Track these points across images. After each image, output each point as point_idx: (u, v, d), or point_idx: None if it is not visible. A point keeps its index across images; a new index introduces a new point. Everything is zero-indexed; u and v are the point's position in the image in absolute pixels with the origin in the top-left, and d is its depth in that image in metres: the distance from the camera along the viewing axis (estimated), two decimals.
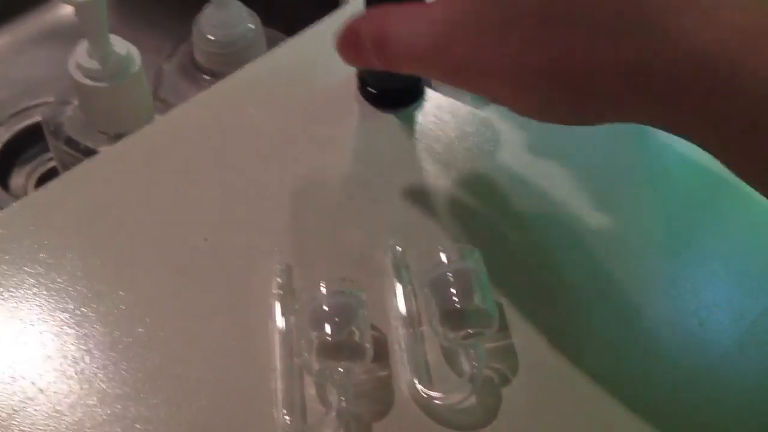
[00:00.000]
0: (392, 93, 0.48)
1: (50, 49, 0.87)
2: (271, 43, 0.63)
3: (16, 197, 0.78)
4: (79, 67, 0.51)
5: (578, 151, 0.47)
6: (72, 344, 0.39)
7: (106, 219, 0.44)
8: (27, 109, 0.83)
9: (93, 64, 0.51)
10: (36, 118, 0.81)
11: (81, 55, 0.51)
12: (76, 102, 0.56)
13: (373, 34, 0.36)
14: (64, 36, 0.87)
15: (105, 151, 0.48)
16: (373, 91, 0.48)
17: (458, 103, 0.49)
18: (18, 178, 0.80)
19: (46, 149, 0.79)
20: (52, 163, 0.80)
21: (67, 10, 0.85)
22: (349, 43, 0.38)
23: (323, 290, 0.39)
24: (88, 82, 0.51)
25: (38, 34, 0.88)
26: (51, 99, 0.81)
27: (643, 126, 0.32)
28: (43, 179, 0.80)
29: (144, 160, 0.47)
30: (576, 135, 0.47)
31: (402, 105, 0.48)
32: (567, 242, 0.44)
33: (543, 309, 0.41)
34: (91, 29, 0.49)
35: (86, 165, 0.47)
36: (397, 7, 0.36)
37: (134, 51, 0.52)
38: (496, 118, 0.49)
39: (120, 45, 0.51)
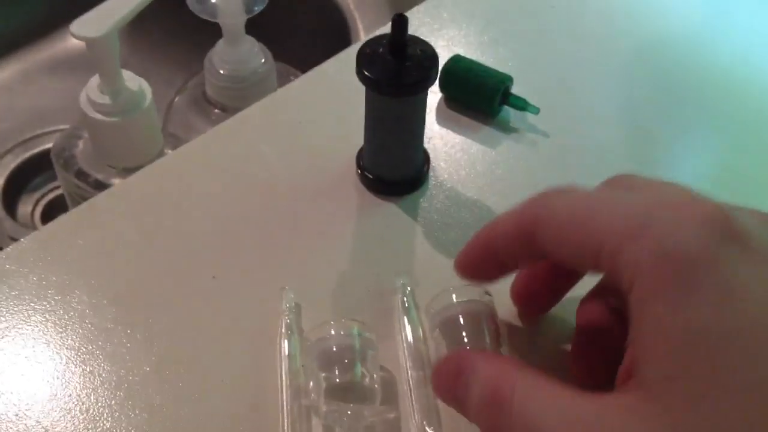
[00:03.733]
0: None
1: (59, 79, 0.88)
2: (283, 78, 0.63)
3: (23, 225, 0.78)
4: (91, 101, 0.51)
5: None
6: (78, 382, 0.39)
7: (115, 255, 0.44)
8: (34, 137, 0.83)
9: (104, 99, 0.51)
10: (43, 146, 0.82)
11: (92, 89, 0.51)
12: (85, 135, 0.56)
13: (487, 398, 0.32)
14: (73, 66, 0.87)
15: (114, 186, 0.48)
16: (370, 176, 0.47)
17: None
18: (25, 206, 0.81)
19: (53, 178, 0.79)
20: (58, 192, 0.80)
21: (76, 41, 0.85)
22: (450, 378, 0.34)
23: (332, 331, 0.38)
24: (98, 116, 0.51)
25: (47, 64, 0.88)
26: (58, 128, 0.82)
27: None
28: (49, 207, 0.80)
29: (153, 195, 0.47)
30: None
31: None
32: None
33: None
34: (103, 64, 0.49)
35: (95, 200, 0.47)
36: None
37: (146, 86, 0.52)
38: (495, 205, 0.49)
39: (132, 80, 0.52)
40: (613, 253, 0.30)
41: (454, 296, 0.39)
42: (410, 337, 0.41)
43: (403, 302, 0.42)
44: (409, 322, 0.41)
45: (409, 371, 0.40)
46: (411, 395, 0.39)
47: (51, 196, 0.82)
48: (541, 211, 0.33)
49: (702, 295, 0.27)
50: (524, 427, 0.30)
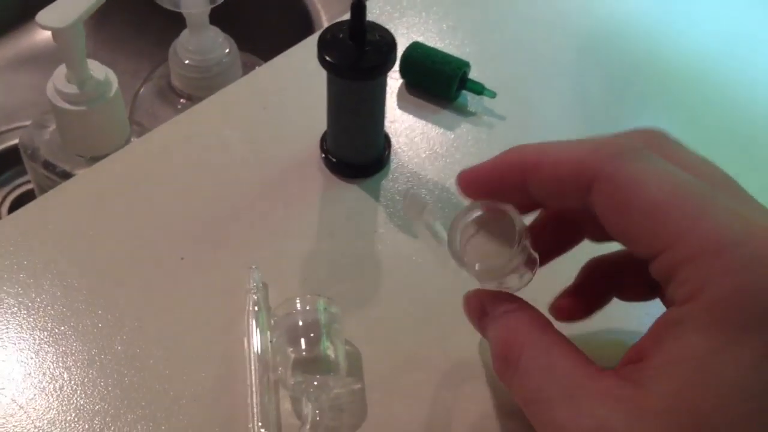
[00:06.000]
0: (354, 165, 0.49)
1: (27, 74, 0.88)
2: (247, 68, 0.64)
3: None
4: (58, 91, 0.52)
5: None
6: (51, 362, 0.40)
7: (84, 239, 0.45)
8: (3, 133, 0.83)
9: (71, 89, 0.52)
10: (12, 142, 0.82)
11: (59, 79, 0.52)
12: (53, 126, 0.57)
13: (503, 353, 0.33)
14: (41, 61, 0.87)
15: (82, 173, 0.49)
16: (333, 160, 0.49)
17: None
18: None
19: (21, 173, 0.80)
20: (27, 187, 0.81)
21: (44, 36, 0.86)
22: (474, 316, 0.36)
23: (298, 306, 0.40)
24: (66, 106, 0.52)
25: (15, 60, 0.88)
26: (25, 124, 0.82)
27: None
28: (18, 203, 0.80)
29: (120, 181, 0.48)
30: None
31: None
32: None
33: None
34: (69, 54, 0.50)
35: (64, 186, 0.48)
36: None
37: (112, 75, 0.53)
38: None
39: (98, 69, 0.52)
40: (681, 262, 0.28)
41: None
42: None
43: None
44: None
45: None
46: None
47: (19, 191, 0.82)
48: (606, 168, 0.30)
49: (763, 354, 0.26)
50: (527, 390, 0.31)
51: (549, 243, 0.37)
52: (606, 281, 0.38)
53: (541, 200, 0.33)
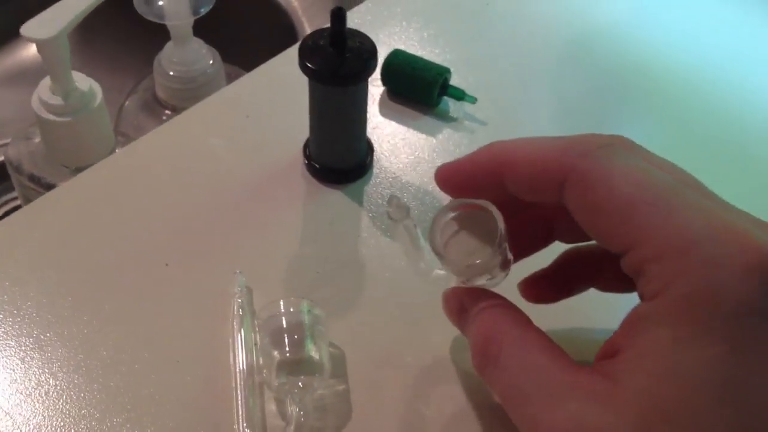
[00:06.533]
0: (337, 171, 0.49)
1: (13, 90, 0.88)
2: (231, 79, 0.65)
3: None
4: (42, 102, 0.53)
5: None
6: (37, 368, 0.40)
7: (69, 247, 0.45)
8: None
9: (56, 100, 0.52)
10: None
11: (44, 91, 0.52)
12: (38, 138, 0.58)
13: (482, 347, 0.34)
14: (27, 77, 0.88)
15: (66, 182, 0.49)
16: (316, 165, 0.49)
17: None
18: None
19: (8, 190, 0.80)
20: (14, 203, 0.81)
21: (30, 52, 0.86)
22: (453, 313, 0.37)
23: (282, 308, 0.40)
24: (51, 117, 0.53)
25: (1, 76, 0.89)
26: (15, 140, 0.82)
27: None
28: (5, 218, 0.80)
29: (105, 190, 0.48)
30: None
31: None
32: None
33: None
34: (54, 65, 0.51)
35: (49, 195, 0.48)
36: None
37: (96, 86, 0.54)
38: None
39: (82, 81, 0.53)
40: (649, 259, 0.29)
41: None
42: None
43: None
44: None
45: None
46: None
47: (7, 207, 0.82)
48: (579, 166, 0.31)
49: (725, 350, 0.27)
50: (506, 386, 0.32)
51: (519, 244, 0.37)
52: (583, 270, 0.39)
53: (518, 196, 0.34)
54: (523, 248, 0.38)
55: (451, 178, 0.35)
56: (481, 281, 0.36)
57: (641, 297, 0.30)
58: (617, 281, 0.34)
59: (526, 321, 0.34)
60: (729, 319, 0.27)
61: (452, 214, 0.35)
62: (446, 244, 0.35)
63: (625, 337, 0.30)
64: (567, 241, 0.38)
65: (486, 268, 0.35)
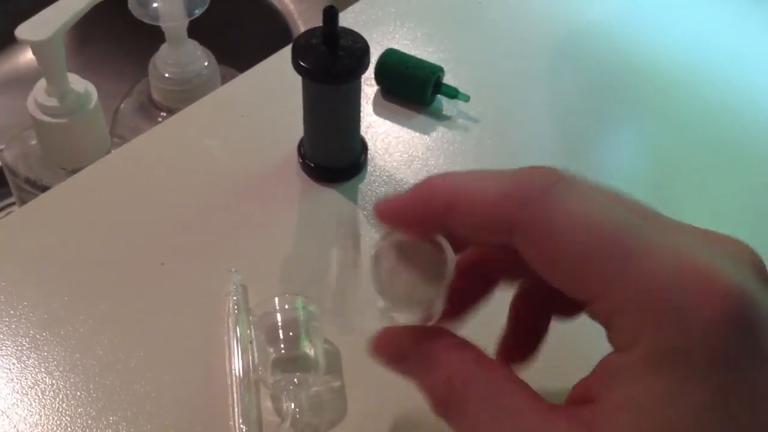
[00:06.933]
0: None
1: (9, 95, 0.88)
2: (226, 80, 0.65)
3: None
4: (38, 104, 0.53)
5: None
6: (33, 367, 0.41)
7: (65, 247, 0.45)
8: None
9: (51, 102, 0.52)
10: None
11: (39, 93, 0.53)
12: (34, 141, 0.58)
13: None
14: (23, 83, 0.88)
15: (62, 183, 0.49)
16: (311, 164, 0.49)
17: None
18: None
19: (8, 194, 0.80)
20: (13, 209, 0.81)
21: (26, 58, 0.87)
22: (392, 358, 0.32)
23: (276, 305, 0.40)
24: (46, 118, 0.53)
25: None
26: (11, 143, 0.82)
27: None
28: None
29: (100, 190, 0.48)
30: None
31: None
32: None
33: None
34: (49, 67, 0.51)
35: (45, 196, 0.48)
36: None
37: (91, 88, 0.54)
38: None
39: (77, 82, 0.53)
40: (614, 312, 0.27)
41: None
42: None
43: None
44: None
45: None
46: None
47: (2, 214, 0.82)
48: (527, 213, 0.28)
49: (705, 401, 0.26)
50: None
51: (463, 292, 0.33)
52: (542, 309, 0.35)
53: (463, 239, 0.31)
54: (467, 299, 0.34)
55: (391, 215, 0.31)
56: (416, 318, 0.32)
57: (612, 344, 0.28)
58: (574, 309, 0.32)
59: (489, 360, 0.30)
60: (705, 369, 0.26)
61: (392, 240, 0.31)
62: (388, 274, 0.31)
63: (600, 385, 0.28)
64: (514, 279, 0.34)
65: (428, 306, 0.32)
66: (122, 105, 0.67)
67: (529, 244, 0.28)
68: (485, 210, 0.29)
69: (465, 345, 0.31)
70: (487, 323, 0.34)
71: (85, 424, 0.39)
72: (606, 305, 0.27)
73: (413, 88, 0.53)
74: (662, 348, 0.26)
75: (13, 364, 0.41)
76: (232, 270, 0.44)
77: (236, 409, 0.39)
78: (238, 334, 0.41)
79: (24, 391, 0.40)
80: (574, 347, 0.37)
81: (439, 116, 0.54)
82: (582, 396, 0.28)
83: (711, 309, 0.25)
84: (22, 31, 0.49)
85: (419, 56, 0.54)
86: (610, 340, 0.28)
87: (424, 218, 0.31)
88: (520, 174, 0.29)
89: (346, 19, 0.59)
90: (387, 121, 0.53)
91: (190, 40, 0.62)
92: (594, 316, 0.28)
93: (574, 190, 0.28)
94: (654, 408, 0.26)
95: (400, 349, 0.32)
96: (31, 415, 0.39)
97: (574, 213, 0.27)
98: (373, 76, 0.54)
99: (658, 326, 0.26)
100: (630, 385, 0.27)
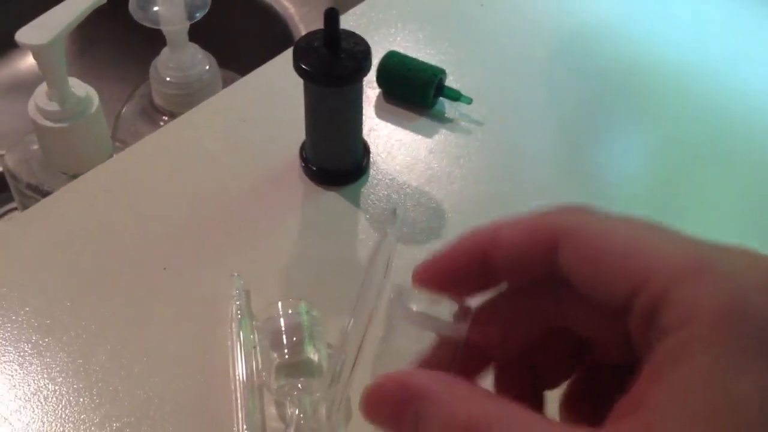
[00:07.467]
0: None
1: (9, 101, 0.88)
2: (227, 84, 0.65)
3: None
4: (39, 109, 0.53)
5: None
6: (36, 373, 0.40)
7: (67, 252, 0.45)
8: None
9: (52, 106, 0.52)
10: None
11: (40, 97, 0.53)
12: (35, 146, 0.58)
13: None
14: (24, 88, 0.88)
15: (63, 187, 0.49)
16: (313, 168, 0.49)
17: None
18: None
19: (9, 199, 0.80)
20: (14, 214, 0.81)
21: (27, 62, 0.86)
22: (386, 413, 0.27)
23: (280, 310, 0.40)
24: (47, 123, 0.53)
25: None
26: (12, 148, 0.82)
27: None
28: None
29: (102, 194, 0.48)
30: None
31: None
32: None
33: None
34: (50, 72, 0.51)
35: (47, 201, 0.48)
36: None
37: (92, 92, 0.54)
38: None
39: (78, 87, 0.53)
40: (664, 289, 0.26)
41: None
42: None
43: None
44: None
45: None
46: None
47: (4, 220, 0.82)
48: (569, 225, 0.29)
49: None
50: None
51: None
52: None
53: (505, 276, 0.30)
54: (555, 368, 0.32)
55: (432, 276, 0.30)
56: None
57: (663, 333, 0.27)
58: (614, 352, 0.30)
59: (495, 396, 0.27)
60: (763, 331, 0.25)
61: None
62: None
63: (651, 382, 0.26)
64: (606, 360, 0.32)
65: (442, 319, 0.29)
66: (124, 109, 0.67)
67: (577, 248, 0.28)
68: (532, 231, 0.29)
69: (463, 381, 0.27)
70: None
71: (88, 431, 0.38)
72: (657, 284, 0.26)
73: (415, 90, 0.53)
74: (724, 309, 0.25)
75: (16, 370, 0.40)
76: (235, 274, 0.44)
77: (240, 415, 0.39)
78: (242, 339, 0.41)
79: (27, 398, 0.40)
80: None
81: (441, 119, 0.54)
82: (627, 410, 0.26)
83: (757, 273, 0.26)
84: (23, 35, 0.49)
85: (421, 58, 0.54)
86: (660, 328, 0.26)
87: (469, 266, 0.30)
88: (551, 206, 0.30)
89: (348, 22, 0.58)
90: (389, 124, 0.53)
91: (191, 44, 0.62)
92: (642, 307, 0.27)
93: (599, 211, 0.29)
94: (726, 376, 0.25)
95: (406, 394, 0.27)
96: (34, 421, 0.39)
97: (613, 220, 0.28)
98: (374, 78, 0.53)
99: (716, 288, 0.26)
100: (698, 359, 0.25)
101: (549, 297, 0.31)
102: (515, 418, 0.25)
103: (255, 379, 0.40)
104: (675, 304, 0.26)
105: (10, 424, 0.39)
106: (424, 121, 0.53)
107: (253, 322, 0.41)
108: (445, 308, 0.30)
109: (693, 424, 0.24)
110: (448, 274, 0.30)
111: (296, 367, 0.39)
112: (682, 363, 0.25)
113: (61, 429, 0.39)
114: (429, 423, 0.25)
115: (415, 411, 0.26)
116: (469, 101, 0.53)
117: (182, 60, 0.61)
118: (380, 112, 0.54)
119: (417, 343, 0.30)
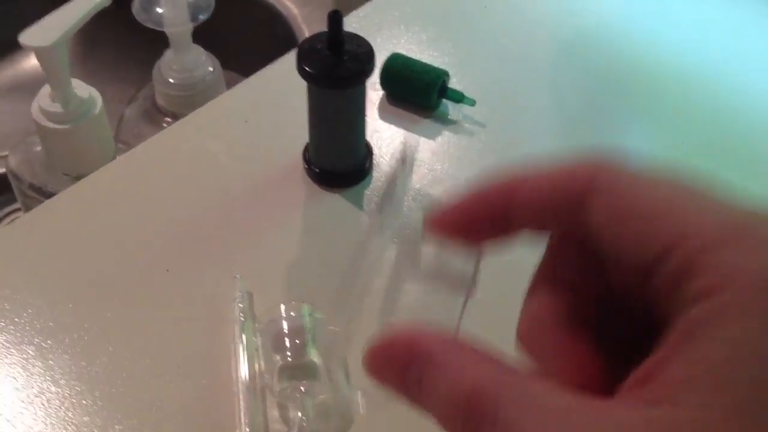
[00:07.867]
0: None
1: (13, 102, 0.88)
2: (231, 86, 0.65)
3: None
4: (42, 111, 0.53)
5: None
6: (38, 375, 0.40)
7: (69, 254, 0.45)
8: None
9: (55, 108, 0.52)
10: (1, 170, 0.82)
11: (43, 99, 0.52)
12: (38, 147, 0.58)
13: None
14: (27, 89, 0.88)
15: (66, 189, 0.49)
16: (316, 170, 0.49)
17: None
18: None
19: (12, 200, 0.80)
20: (18, 215, 0.81)
21: (30, 64, 0.86)
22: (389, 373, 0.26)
23: (283, 313, 0.40)
24: (50, 125, 0.53)
25: (0, 88, 0.89)
26: (16, 149, 0.82)
27: None
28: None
29: (105, 196, 0.48)
30: None
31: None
32: None
33: None
34: (53, 73, 0.51)
35: (49, 203, 0.48)
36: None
37: (95, 93, 0.54)
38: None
39: (81, 88, 0.53)
40: (700, 251, 0.25)
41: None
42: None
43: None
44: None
45: None
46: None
47: (8, 221, 0.82)
48: (600, 179, 0.27)
49: None
50: None
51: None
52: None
53: (524, 225, 0.29)
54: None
55: (449, 221, 0.29)
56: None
57: (690, 300, 0.25)
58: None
59: (503, 362, 0.26)
60: None
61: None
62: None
63: (674, 351, 0.24)
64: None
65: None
66: (127, 111, 0.67)
67: (608, 199, 0.27)
68: (561, 177, 0.27)
69: (472, 348, 0.26)
70: None
71: None
72: (691, 246, 0.25)
73: (418, 92, 0.53)
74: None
75: (18, 372, 0.40)
76: (237, 276, 0.43)
77: (242, 418, 0.39)
78: (244, 341, 0.41)
79: (29, 400, 0.39)
80: None
81: (444, 121, 0.53)
82: (643, 380, 0.24)
83: None
84: (26, 37, 0.49)
85: (424, 60, 0.54)
86: (686, 294, 0.25)
87: (489, 210, 0.28)
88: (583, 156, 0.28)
89: (351, 24, 0.58)
90: (392, 126, 0.53)
91: (195, 46, 0.62)
92: (671, 269, 0.25)
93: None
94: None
95: (411, 353, 0.26)
96: (37, 423, 0.39)
97: (646, 174, 0.27)
98: (378, 80, 0.53)
99: (759, 255, 0.24)
100: (740, 323, 0.23)
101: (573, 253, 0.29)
102: (524, 386, 0.24)
103: (258, 381, 0.40)
104: (711, 268, 0.24)
105: (13, 426, 0.39)
106: (427, 123, 0.53)
107: (256, 325, 0.41)
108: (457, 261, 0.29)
109: (737, 396, 0.22)
110: (470, 218, 0.29)
111: (299, 370, 0.39)
112: (721, 330, 0.23)
113: (64, 431, 0.38)
114: (433, 387, 0.24)
115: (418, 374, 0.24)
116: (472, 103, 0.53)
117: (185, 62, 0.61)
118: (383, 114, 0.54)
119: (427, 294, 0.30)
